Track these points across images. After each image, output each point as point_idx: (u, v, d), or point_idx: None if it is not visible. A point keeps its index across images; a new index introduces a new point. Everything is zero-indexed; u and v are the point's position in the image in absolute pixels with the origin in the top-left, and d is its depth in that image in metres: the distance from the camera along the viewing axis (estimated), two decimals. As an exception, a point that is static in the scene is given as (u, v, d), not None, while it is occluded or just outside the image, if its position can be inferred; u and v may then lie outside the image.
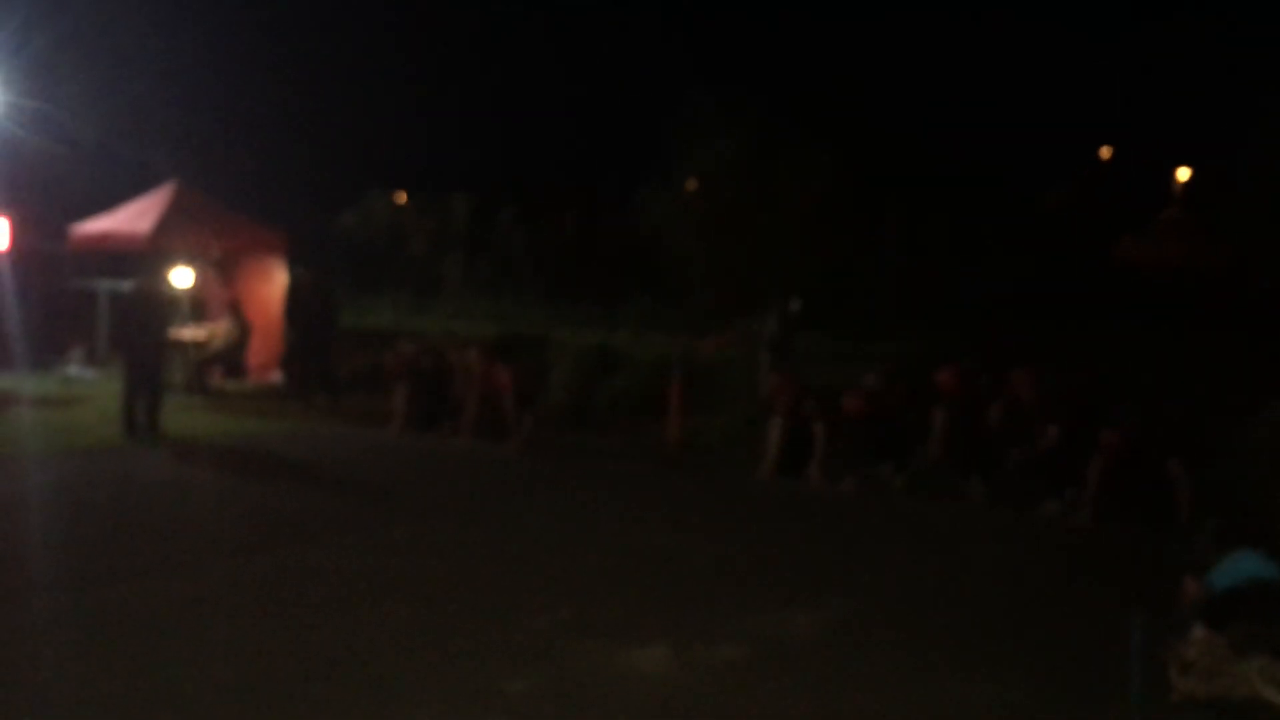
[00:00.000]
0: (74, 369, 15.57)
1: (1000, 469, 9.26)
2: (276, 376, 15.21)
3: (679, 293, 19.12)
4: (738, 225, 18.01)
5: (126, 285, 13.23)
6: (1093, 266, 20.05)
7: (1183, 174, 25.94)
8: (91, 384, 14.78)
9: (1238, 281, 17.14)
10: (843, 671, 5.35)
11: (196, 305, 15.55)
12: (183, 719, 4.65)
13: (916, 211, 20.36)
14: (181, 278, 14.80)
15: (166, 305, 12.53)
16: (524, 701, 4.89)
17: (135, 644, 5.46)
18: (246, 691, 4.91)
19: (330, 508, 8.64)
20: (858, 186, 18.12)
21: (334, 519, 8.25)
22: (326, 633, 5.68)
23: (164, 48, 22.18)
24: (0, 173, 16.62)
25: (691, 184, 19.25)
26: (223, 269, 16.12)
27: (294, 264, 15.87)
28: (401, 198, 31.22)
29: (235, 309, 15.14)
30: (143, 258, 14.36)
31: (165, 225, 14.85)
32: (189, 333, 14.68)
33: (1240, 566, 5.36)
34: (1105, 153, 30.37)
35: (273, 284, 15.89)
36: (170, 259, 14.66)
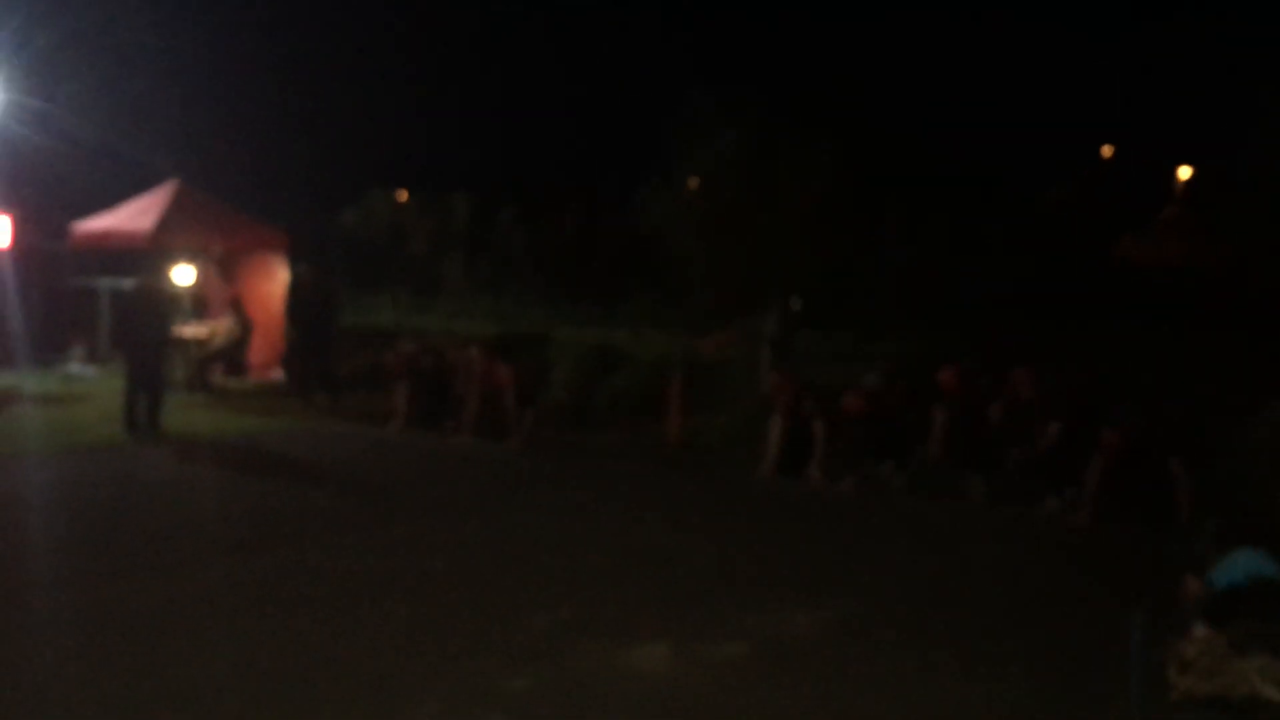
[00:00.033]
0: (75, 367, 15.59)
1: (1000, 468, 9.26)
2: (277, 374, 15.22)
3: (679, 292, 19.11)
4: (738, 225, 18.00)
5: (128, 283, 13.24)
6: (1093, 266, 20.04)
7: (1184, 172, 25.94)
8: (92, 382, 14.79)
9: (1238, 281, 17.13)
10: (843, 670, 5.36)
11: (197, 303, 15.55)
12: (183, 718, 4.66)
13: (917, 211, 20.36)
14: (183, 275, 14.81)
15: (167, 303, 12.53)
16: (524, 700, 4.90)
17: (135, 642, 5.47)
18: (247, 690, 4.92)
19: (330, 506, 8.64)
20: (858, 186, 18.10)
21: (334, 517, 8.26)
22: (326, 631, 5.69)
23: (165, 46, 22.25)
24: (2, 171, 16.63)
25: (693, 182, 19.24)
26: (224, 267, 16.14)
27: (295, 262, 15.88)
28: (402, 196, 31.24)
29: (236, 307, 15.15)
30: (144, 256, 14.39)
31: (166, 223, 14.86)
32: (190, 331, 14.68)
33: (1241, 565, 5.36)
34: (1107, 151, 30.38)
35: (274, 282, 15.91)
36: (171, 257, 14.68)
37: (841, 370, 11.74)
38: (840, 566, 7.28)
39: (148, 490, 9.20)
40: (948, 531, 8.39)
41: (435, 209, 29.44)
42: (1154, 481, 8.29)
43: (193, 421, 12.14)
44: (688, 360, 12.55)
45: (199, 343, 14.77)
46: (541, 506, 8.84)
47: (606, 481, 9.97)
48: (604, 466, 10.72)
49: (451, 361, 12.35)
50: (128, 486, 9.25)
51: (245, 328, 15.07)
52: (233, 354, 15.07)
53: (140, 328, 11.59)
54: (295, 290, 15.07)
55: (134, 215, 15.37)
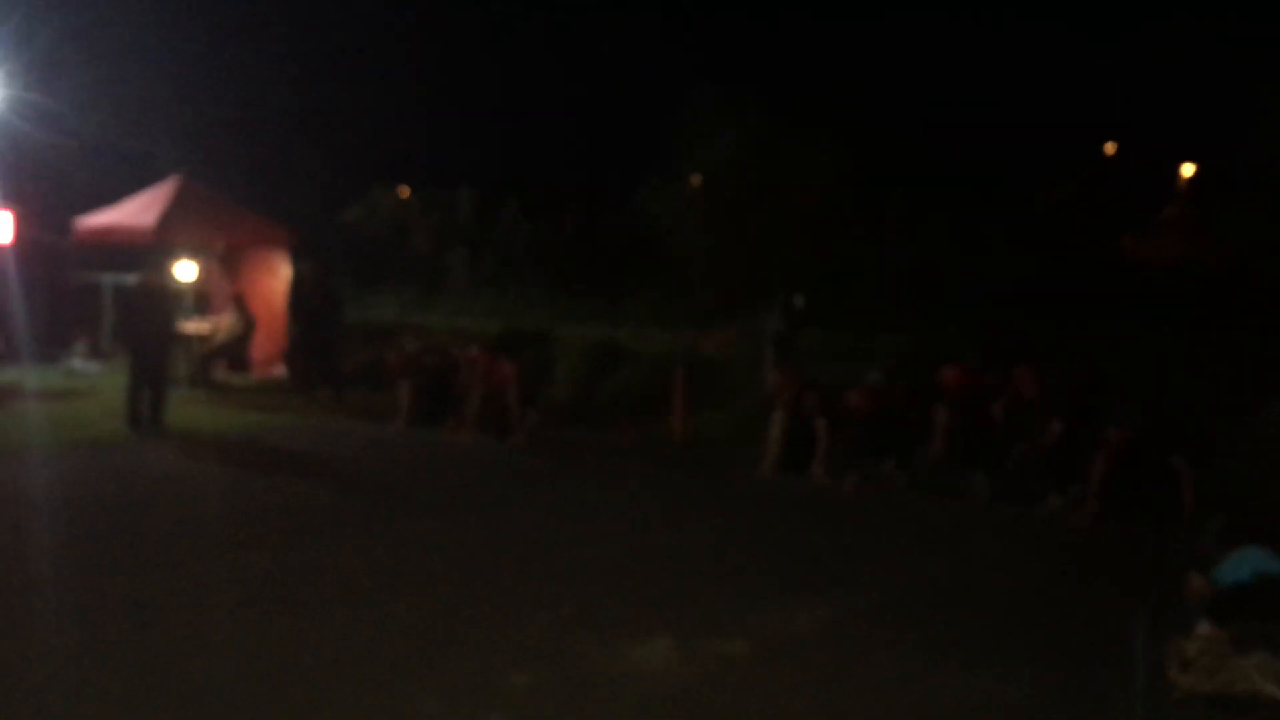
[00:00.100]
0: (78, 363, 15.61)
1: (1002, 467, 9.27)
2: (280, 370, 15.24)
3: (681, 289, 19.16)
4: (739, 224, 18.06)
5: (131, 279, 13.26)
6: (1093, 265, 20.06)
7: (1187, 170, 25.95)
8: (95, 378, 14.81)
9: (1238, 279, 17.15)
10: (844, 668, 5.37)
11: (200, 299, 15.58)
12: (184, 714, 4.67)
13: (917, 210, 20.40)
14: (186, 271, 14.83)
15: (170, 299, 12.54)
16: (526, 696, 4.91)
17: (136, 638, 5.48)
18: (247, 686, 4.93)
19: (332, 503, 8.66)
20: (858, 185, 18.16)
21: (336, 514, 8.27)
22: (328, 628, 5.70)
23: (168, 42, 22.21)
24: (4, 166, 16.66)
25: (696, 179, 19.29)
26: (226, 263, 16.15)
27: (298, 258, 15.90)
28: (405, 193, 31.27)
29: (239, 303, 15.17)
30: (147, 251, 14.38)
31: (169, 219, 14.87)
32: (193, 326, 14.70)
33: (1247, 563, 5.38)
34: (1110, 148, 30.38)
35: (277, 278, 15.92)
36: (174, 252, 14.69)
37: (842, 369, 11.75)
38: (842, 564, 7.30)
39: (150, 486, 9.21)
40: (949, 530, 8.40)
41: (438, 205, 29.48)
42: (1156, 480, 8.30)
43: (195, 417, 12.16)
44: (690, 358, 12.55)
45: (202, 339, 14.79)
46: (543, 504, 8.86)
47: (608, 479, 9.98)
48: (606, 464, 10.73)
49: (454, 358, 12.37)
50: (130, 482, 9.26)
51: (248, 324, 15.09)
52: (235, 350, 15.09)
53: (143, 323, 11.60)
54: (297, 286, 15.10)
55: (137, 211, 15.38)
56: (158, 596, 6.13)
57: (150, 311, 11.64)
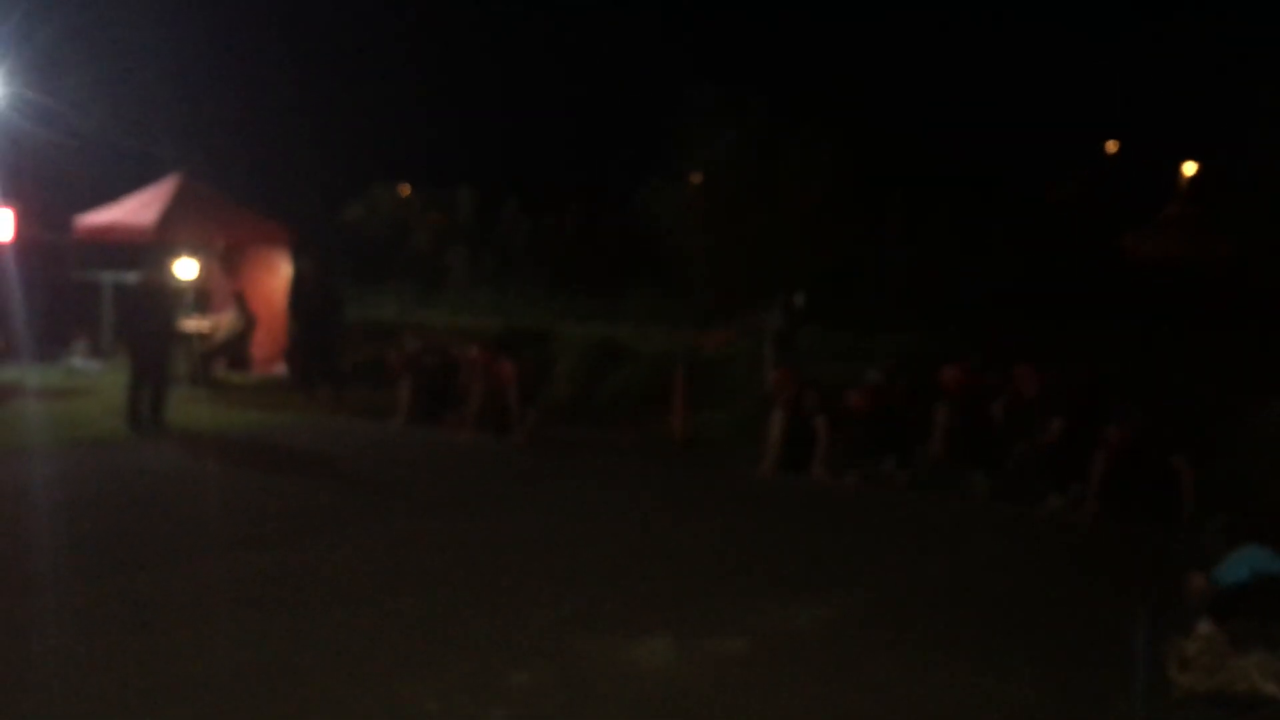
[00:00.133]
0: (78, 361, 15.61)
1: (1002, 466, 9.28)
2: (280, 369, 15.24)
3: (682, 288, 19.13)
4: (739, 223, 18.03)
5: (131, 277, 13.26)
6: (1094, 264, 20.05)
7: (1188, 169, 25.95)
8: (96, 376, 14.81)
9: (1240, 278, 17.14)
10: (845, 666, 5.37)
11: (201, 297, 15.57)
12: (185, 712, 4.67)
13: (917, 209, 20.38)
14: (186, 269, 14.82)
15: (171, 297, 12.53)
16: (527, 694, 4.92)
17: (136, 637, 5.48)
18: (249, 684, 4.93)
19: (333, 501, 8.66)
20: (859, 185, 18.13)
21: (337, 512, 8.28)
22: (329, 626, 5.71)
23: (168, 40, 22.22)
24: (4, 164, 16.63)
25: (696, 179, 19.26)
26: (227, 261, 16.15)
27: (298, 257, 15.89)
28: (406, 191, 31.27)
29: (240, 301, 15.17)
30: (147, 249, 14.37)
31: (170, 217, 14.87)
32: (193, 325, 14.70)
33: (1248, 562, 5.38)
34: (1112, 146, 30.38)
35: (277, 276, 15.92)
36: (175, 251, 14.68)
37: (842, 368, 11.75)
38: (842, 563, 7.30)
39: (150, 485, 9.21)
40: (949, 529, 8.40)
41: (439, 203, 29.48)
42: (1156, 480, 8.30)
43: (196, 416, 12.15)
44: (690, 357, 12.55)
45: (202, 337, 14.79)
46: (544, 502, 8.86)
47: (609, 477, 9.99)
48: (606, 463, 10.73)
49: (455, 356, 12.37)
50: (130, 481, 9.27)
51: (248, 322, 15.09)
52: (236, 348, 15.09)
53: (143, 322, 11.60)
54: (298, 285, 15.09)
55: (137, 209, 15.38)
56: (157, 595, 6.14)
57: (150, 310, 11.64)
